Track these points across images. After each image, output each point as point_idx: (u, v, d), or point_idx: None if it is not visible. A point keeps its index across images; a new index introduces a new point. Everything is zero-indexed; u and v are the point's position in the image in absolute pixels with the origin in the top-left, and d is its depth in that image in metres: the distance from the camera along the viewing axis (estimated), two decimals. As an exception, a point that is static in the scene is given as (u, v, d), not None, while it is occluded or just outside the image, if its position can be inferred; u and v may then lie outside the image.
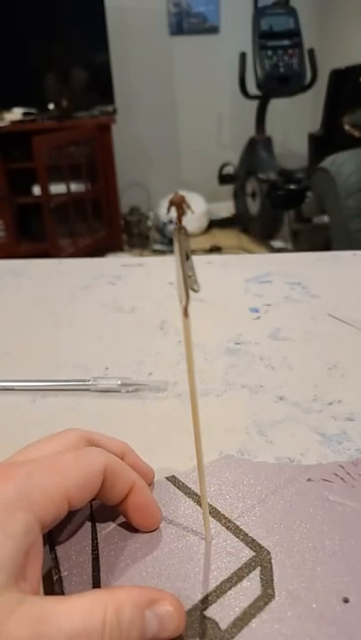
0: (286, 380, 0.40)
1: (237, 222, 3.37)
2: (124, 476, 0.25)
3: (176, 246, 0.18)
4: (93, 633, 0.18)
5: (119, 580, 0.23)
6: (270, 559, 0.24)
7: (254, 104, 2.96)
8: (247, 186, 3.10)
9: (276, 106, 3.05)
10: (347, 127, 2.46)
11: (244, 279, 0.59)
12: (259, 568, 0.23)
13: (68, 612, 0.18)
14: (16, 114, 2.84)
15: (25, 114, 2.85)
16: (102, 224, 3.03)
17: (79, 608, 0.18)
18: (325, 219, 2.23)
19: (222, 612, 0.22)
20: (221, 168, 3.28)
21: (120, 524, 0.26)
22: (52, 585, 0.23)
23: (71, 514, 0.23)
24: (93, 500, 0.25)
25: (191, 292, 0.18)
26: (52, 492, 0.21)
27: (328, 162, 2.03)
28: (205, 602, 0.22)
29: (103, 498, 0.25)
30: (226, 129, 3.59)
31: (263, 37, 2.68)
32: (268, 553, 0.24)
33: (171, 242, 2.96)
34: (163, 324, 0.50)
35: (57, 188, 2.64)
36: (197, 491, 0.28)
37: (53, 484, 0.22)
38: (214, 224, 3.45)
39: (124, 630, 0.18)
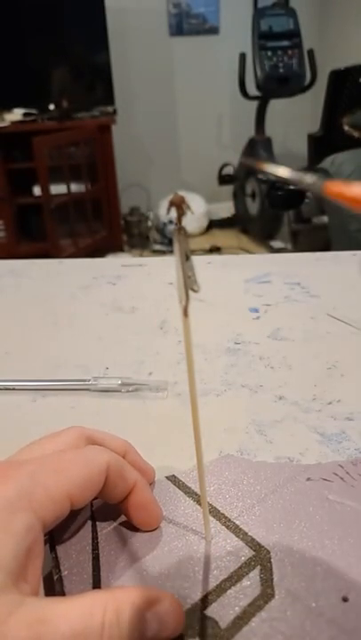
0: (286, 380, 0.40)
1: (237, 222, 3.37)
2: (127, 474, 0.25)
3: (176, 246, 0.18)
4: (92, 634, 0.18)
5: (119, 579, 0.23)
6: (270, 558, 0.24)
7: (254, 104, 2.96)
8: (247, 186, 3.09)
9: (276, 106, 3.04)
10: (346, 128, 2.46)
11: (244, 279, 0.59)
12: (258, 567, 0.23)
13: (66, 612, 0.18)
14: (16, 114, 2.84)
15: (25, 114, 2.85)
16: (102, 224, 3.03)
17: (78, 609, 0.18)
18: (325, 219, 2.22)
19: (222, 611, 0.22)
20: (221, 168, 3.28)
21: (120, 524, 0.26)
22: (53, 584, 0.23)
23: (72, 513, 0.23)
24: (95, 498, 0.25)
25: (191, 292, 0.19)
26: (54, 492, 0.21)
27: (328, 162, 2.03)
28: (205, 601, 0.22)
29: (105, 496, 0.25)
30: (226, 129, 3.59)
31: (263, 38, 2.68)
32: (268, 552, 0.24)
33: (171, 242, 2.95)
34: (163, 323, 0.50)
35: (57, 189, 2.64)
36: (197, 490, 0.28)
37: (55, 483, 0.22)
38: (214, 224, 3.45)
39: (124, 631, 0.18)
